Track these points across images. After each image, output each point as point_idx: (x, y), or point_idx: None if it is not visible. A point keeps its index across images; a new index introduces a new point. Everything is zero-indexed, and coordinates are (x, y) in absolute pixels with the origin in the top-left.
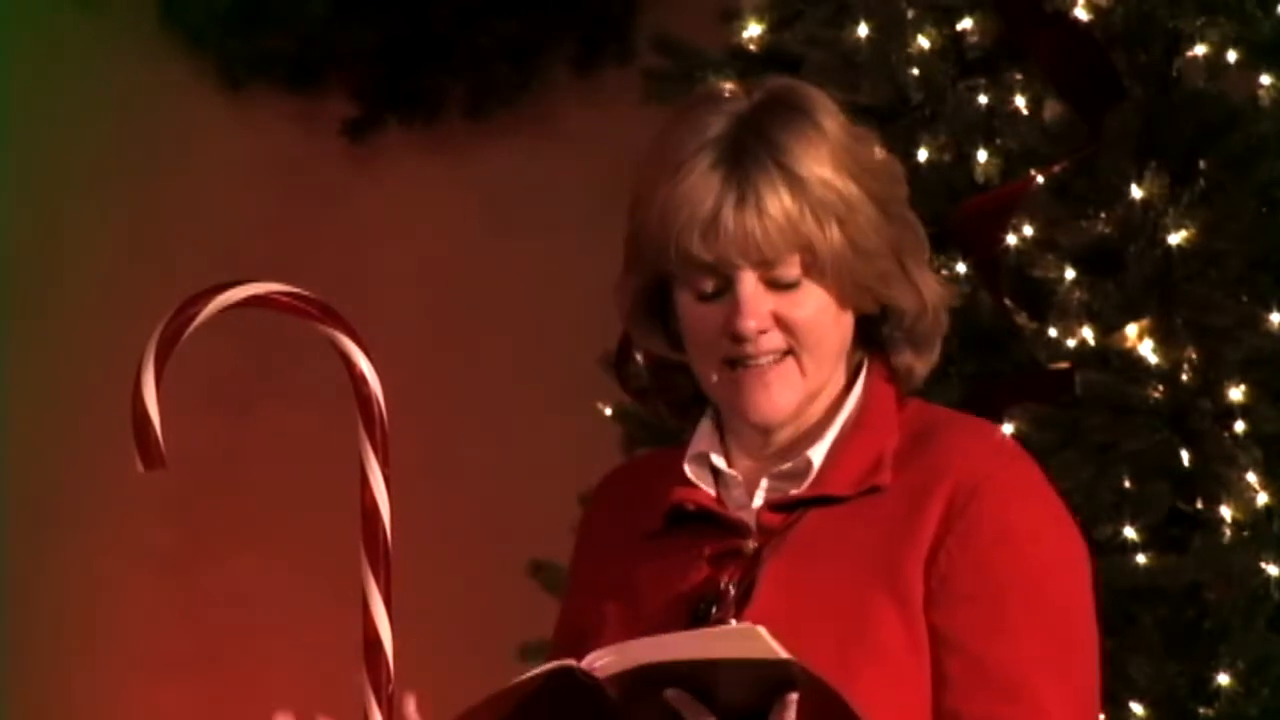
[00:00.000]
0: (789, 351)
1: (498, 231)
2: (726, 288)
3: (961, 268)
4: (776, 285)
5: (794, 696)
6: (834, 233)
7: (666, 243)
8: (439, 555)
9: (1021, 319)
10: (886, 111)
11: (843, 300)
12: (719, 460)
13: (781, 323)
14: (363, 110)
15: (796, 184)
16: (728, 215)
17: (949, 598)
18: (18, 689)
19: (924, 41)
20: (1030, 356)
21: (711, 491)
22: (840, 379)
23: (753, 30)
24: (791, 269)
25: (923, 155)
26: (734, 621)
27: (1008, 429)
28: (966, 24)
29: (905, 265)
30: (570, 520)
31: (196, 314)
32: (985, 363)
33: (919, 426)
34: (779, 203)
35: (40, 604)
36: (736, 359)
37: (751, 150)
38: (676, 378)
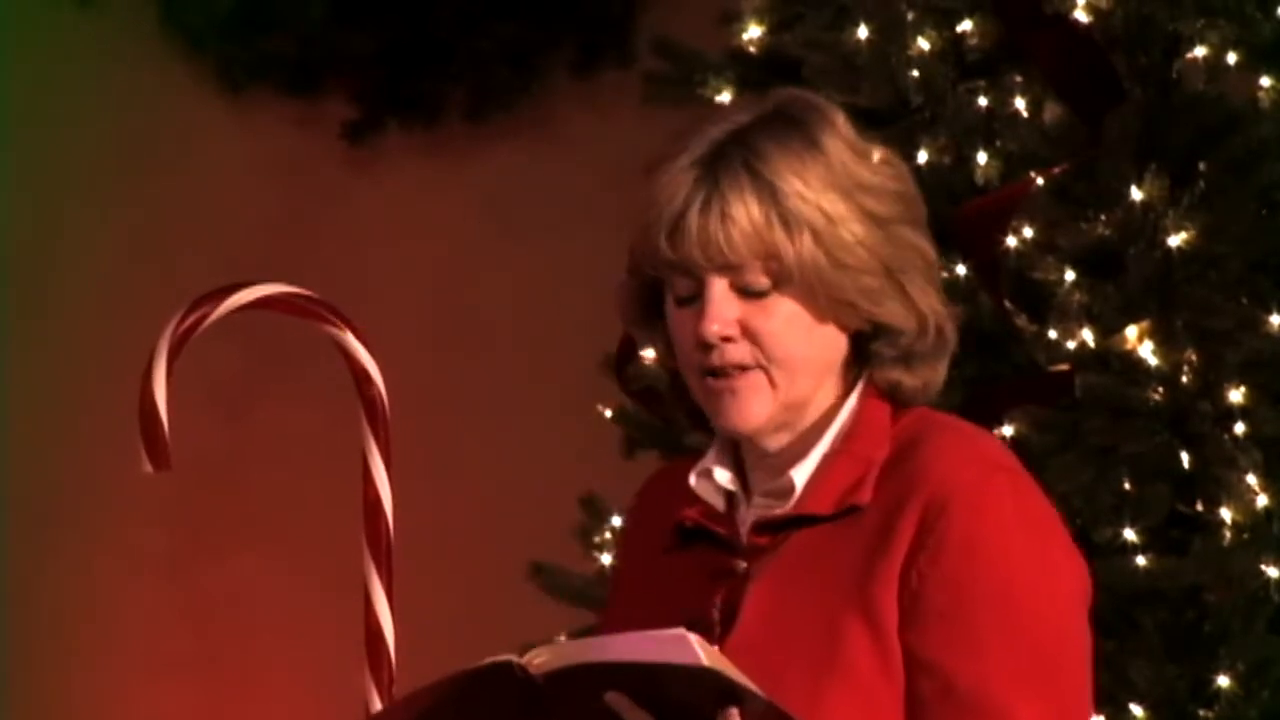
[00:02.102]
0: (757, 365)
1: (497, 234)
2: (700, 292)
3: (961, 270)
4: (747, 293)
5: (734, 711)
6: (805, 244)
7: (641, 240)
8: (439, 557)
9: (1021, 321)
10: (886, 114)
11: (819, 314)
12: (721, 475)
13: (749, 332)
14: (363, 113)
15: (766, 191)
16: (692, 216)
17: (921, 616)
18: (18, 689)
19: (924, 44)
20: (1030, 359)
21: (721, 505)
22: (832, 394)
23: (753, 33)
24: (759, 277)
25: (923, 157)
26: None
27: (1007, 431)
28: (966, 26)
29: (902, 283)
30: (570, 522)
31: (209, 314)
32: (985, 365)
33: (909, 436)
34: (744, 209)
35: (40, 605)
36: (708, 369)
37: (728, 156)
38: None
